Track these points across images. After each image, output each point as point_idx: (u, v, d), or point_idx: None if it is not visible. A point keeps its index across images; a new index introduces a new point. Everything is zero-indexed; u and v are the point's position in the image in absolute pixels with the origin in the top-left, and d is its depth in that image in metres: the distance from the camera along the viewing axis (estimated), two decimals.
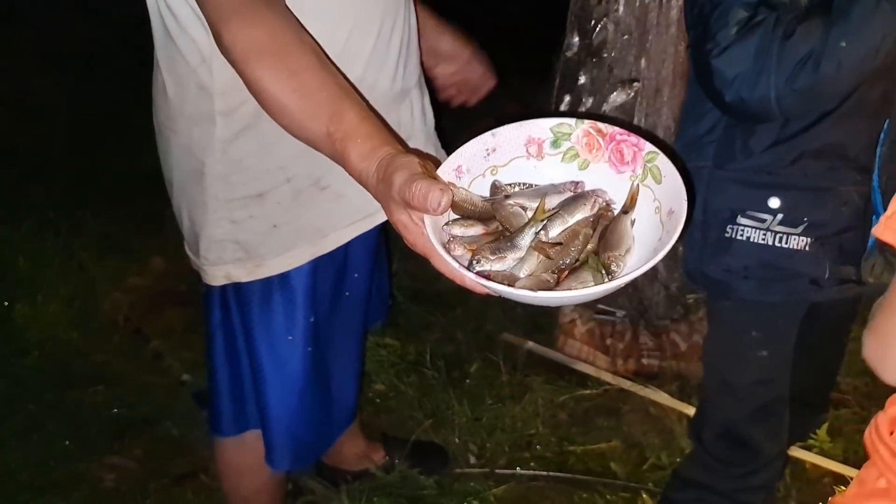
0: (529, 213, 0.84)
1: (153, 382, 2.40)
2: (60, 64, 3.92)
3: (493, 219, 0.85)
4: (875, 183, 1.36)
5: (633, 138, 0.87)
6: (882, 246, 1.40)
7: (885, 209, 1.36)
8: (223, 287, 1.39)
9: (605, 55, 2.00)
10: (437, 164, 0.88)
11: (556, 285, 0.81)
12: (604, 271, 0.81)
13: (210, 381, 1.55)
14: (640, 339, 2.33)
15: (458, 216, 0.84)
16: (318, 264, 1.39)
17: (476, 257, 0.81)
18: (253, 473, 1.64)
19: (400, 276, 2.84)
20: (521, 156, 0.88)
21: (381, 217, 1.34)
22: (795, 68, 1.20)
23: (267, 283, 1.38)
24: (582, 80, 2.08)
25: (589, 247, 0.83)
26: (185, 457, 2.16)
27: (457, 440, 2.18)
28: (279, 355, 1.44)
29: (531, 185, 0.88)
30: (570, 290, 0.79)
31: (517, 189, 0.87)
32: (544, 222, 0.83)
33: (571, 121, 0.88)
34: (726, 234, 1.41)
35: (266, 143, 1.25)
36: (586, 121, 0.88)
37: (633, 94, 2.00)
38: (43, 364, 2.45)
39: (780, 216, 1.37)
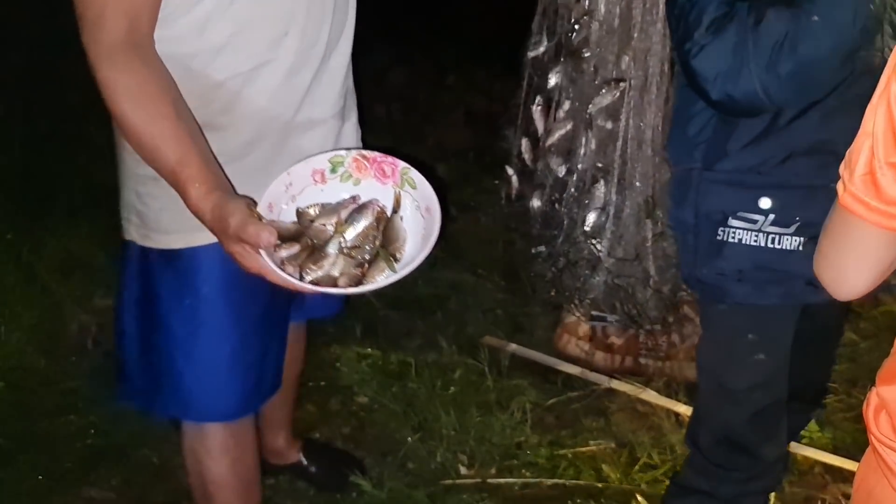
0: (329, 227, 1.15)
1: (127, 408, 2.32)
2: (4, 76, 3.78)
3: (304, 236, 1.13)
4: None
5: (391, 159, 1.18)
6: None
7: None
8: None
9: (587, 54, 1.96)
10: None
11: (363, 276, 1.12)
12: (392, 259, 1.13)
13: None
14: (640, 339, 2.31)
15: (279, 242, 1.11)
16: None
17: (304, 270, 1.11)
18: (214, 460, 1.63)
19: None
20: (310, 184, 1.18)
21: None
22: (774, 53, 1.17)
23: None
24: (553, 80, 2.03)
25: (377, 243, 1.14)
26: (165, 484, 2.09)
27: (446, 451, 2.14)
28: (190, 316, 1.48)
29: (322, 204, 1.17)
30: (376, 280, 1.11)
31: (314, 209, 1.17)
32: (344, 233, 1.13)
33: (343, 152, 1.19)
34: (718, 237, 1.38)
35: None
36: (353, 150, 1.19)
37: (618, 94, 1.95)
38: (10, 395, 2.35)
39: (771, 216, 1.35)
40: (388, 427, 2.24)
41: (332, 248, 1.12)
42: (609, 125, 2.01)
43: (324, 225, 1.14)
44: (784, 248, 1.35)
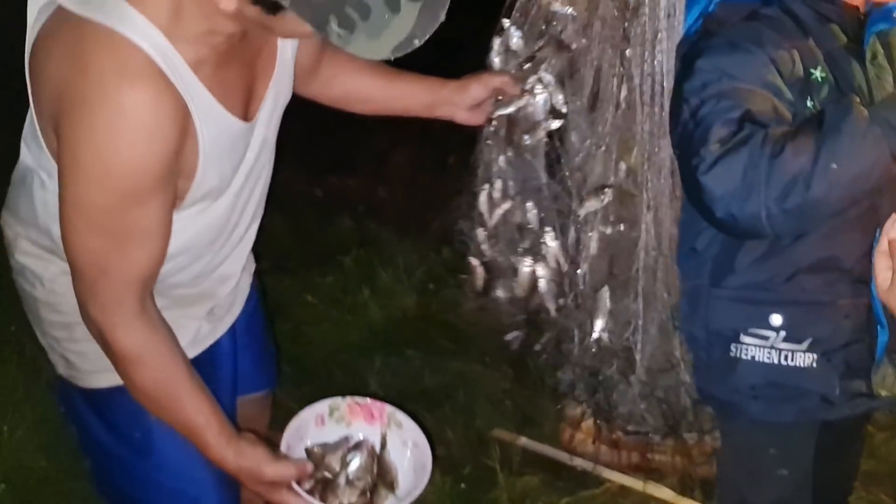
0: (335, 463, 1.38)
1: None
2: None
3: (317, 470, 1.36)
4: (874, 293, 1.35)
5: (379, 404, 1.45)
6: (893, 357, 1.37)
7: (887, 320, 1.36)
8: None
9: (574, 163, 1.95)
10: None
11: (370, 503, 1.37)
12: (391, 485, 1.39)
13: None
14: (647, 434, 2.27)
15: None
16: None
17: (324, 498, 1.34)
18: None
19: (382, 373, 2.76)
20: (313, 427, 1.43)
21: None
22: (785, 188, 1.18)
23: None
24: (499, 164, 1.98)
25: (374, 473, 1.39)
26: None
27: None
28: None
29: (323, 444, 1.41)
30: None
31: (318, 448, 1.39)
32: (348, 467, 1.37)
33: (339, 399, 1.45)
34: (731, 354, 1.38)
35: None
36: (347, 398, 1.45)
37: (606, 200, 1.95)
38: (11, 496, 2.30)
39: (783, 333, 1.35)
40: None
41: (341, 480, 1.37)
42: (609, 230, 2.00)
43: (331, 461, 1.39)
44: (797, 364, 1.35)
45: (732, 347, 1.37)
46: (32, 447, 2.43)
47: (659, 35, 1.78)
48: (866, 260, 1.33)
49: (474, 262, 2.11)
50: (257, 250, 1.62)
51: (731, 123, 1.23)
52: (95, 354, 1.33)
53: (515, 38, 1.85)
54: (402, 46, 1.03)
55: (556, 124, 1.85)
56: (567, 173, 1.96)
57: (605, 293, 2.05)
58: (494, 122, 1.86)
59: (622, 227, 2.00)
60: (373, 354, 2.79)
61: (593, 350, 2.02)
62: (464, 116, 1.68)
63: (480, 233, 2.10)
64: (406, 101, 1.68)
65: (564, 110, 1.88)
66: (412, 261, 3.43)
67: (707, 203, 1.25)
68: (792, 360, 1.35)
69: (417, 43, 1.03)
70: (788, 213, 1.19)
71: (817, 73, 1.29)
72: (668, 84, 1.78)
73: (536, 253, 1.98)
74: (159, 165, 1.12)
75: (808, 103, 1.27)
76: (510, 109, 1.80)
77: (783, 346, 1.34)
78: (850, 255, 1.33)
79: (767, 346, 1.35)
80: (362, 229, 3.69)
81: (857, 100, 1.21)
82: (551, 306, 2.10)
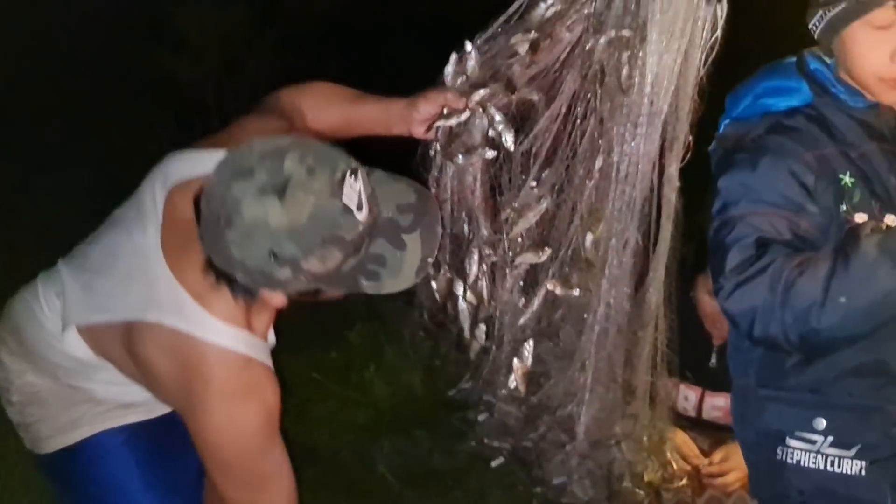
0: None
1: None
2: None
3: None
4: None
5: None
6: None
7: None
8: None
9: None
10: None
11: None
12: None
13: None
14: None
15: None
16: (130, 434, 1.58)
17: None
18: None
19: (390, 455, 2.69)
20: None
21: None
22: (799, 317, 1.21)
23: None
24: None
25: None
26: None
27: None
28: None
29: None
30: None
31: None
32: None
33: None
34: (777, 457, 1.35)
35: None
36: None
37: (545, 258, 1.92)
38: None
39: (829, 438, 1.32)
40: None
41: None
42: (559, 290, 1.95)
43: None
44: (845, 471, 1.32)
45: (779, 450, 1.34)
46: None
47: (640, 118, 1.79)
48: None
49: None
50: None
51: (745, 249, 1.26)
52: (49, 421, 1.52)
53: (472, 62, 1.83)
54: (422, 269, 1.28)
55: (490, 154, 1.86)
56: (502, 209, 1.95)
57: (529, 347, 1.98)
58: (436, 133, 1.83)
59: (577, 293, 1.96)
60: (380, 435, 2.72)
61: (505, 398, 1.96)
62: (420, 132, 1.71)
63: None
64: (366, 124, 1.72)
65: (507, 146, 1.88)
66: (418, 336, 3.38)
67: (731, 323, 1.29)
68: (839, 466, 1.31)
69: (431, 260, 1.30)
70: (806, 339, 1.22)
71: (847, 179, 1.31)
72: (644, 167, 1.77)
73: (459, 270, 1.91)
74: (269, 423, 1.36)
75: (843, 208, 1.28)
76: (450, 122, 1.79)
77: (830, 451, 1.31)
78: None
79: (814, 450, 1.32)
80: (368, 303, 3.64)
81: (870, 230, 1.23)
82: (465, 326, 2.07)
